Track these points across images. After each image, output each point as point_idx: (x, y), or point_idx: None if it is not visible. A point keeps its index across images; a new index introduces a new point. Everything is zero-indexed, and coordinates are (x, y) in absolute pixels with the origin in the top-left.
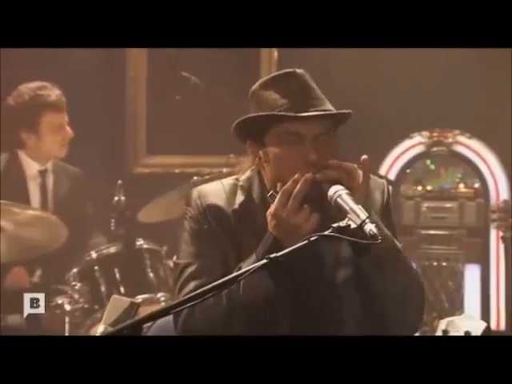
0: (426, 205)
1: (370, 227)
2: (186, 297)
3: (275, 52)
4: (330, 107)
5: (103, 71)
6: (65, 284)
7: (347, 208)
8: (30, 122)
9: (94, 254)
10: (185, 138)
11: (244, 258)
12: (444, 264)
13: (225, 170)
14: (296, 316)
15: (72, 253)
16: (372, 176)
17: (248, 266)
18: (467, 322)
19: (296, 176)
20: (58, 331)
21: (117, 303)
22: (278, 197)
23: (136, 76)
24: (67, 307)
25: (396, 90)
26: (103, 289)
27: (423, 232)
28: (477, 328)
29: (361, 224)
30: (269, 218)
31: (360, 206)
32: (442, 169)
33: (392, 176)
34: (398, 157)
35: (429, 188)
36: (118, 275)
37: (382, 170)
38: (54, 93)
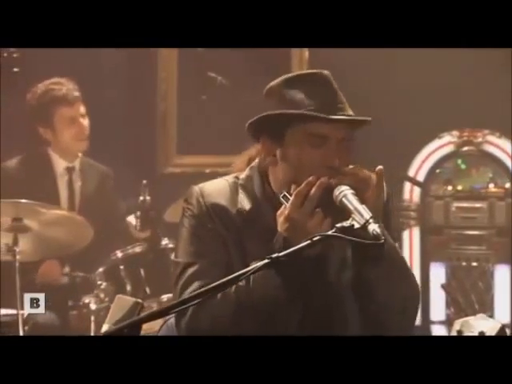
0: (455, 205)
1: (373, 227)
2: (187, 297)
3: (306, 52)
4: (352, 113)
5: (134, 71)
6: (91, 283)
7: (352, 208)
8: (44, 118)
9: (119, 254)
10: (215, 138)
11: (248, 258)
12: (474, 264)
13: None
14: (303, 318)
15: (99, 252)
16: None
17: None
18: (482, 323)
19: (311, 178)
20: (85, 330)
21: (121, 303)
22: (293, 198)
23: (167, 76)
24: (93, 306)
25: (425, 89)
26: (128, 288)
27: (453, 232)
28: (491, 328)
29: (364, 224)
30: (281, 219)
31: (364, 206)
32: (473, 168)
33: (421, 176)
34: (427, 157)
35: (459, 188)
36: (143, 275)
37: (412, 170)
38: (64, 87)
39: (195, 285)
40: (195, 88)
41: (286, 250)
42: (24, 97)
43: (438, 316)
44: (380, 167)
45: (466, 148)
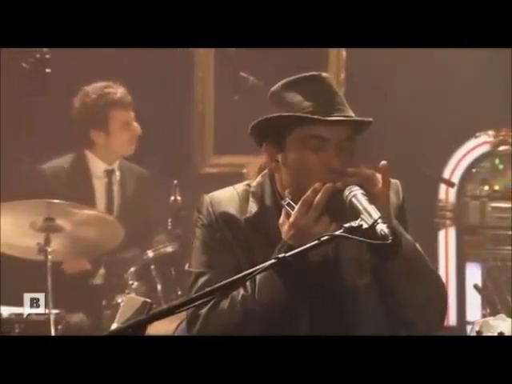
0: (491, 205)
1: (381, 227)
2: (189, 297)
3: (343, 52)
4: (352, 114)
5: (171, 71)
6: (124, 283)
7: (361, 208)
8: (99, 121)
9: (150, 254)
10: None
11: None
12: (509, 264)
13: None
14: (314, 322)
15: (134, 252)
16: None
17: (261, 274)
18: (501, 323)
19: (316, 185)
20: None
21: (131, 303)
22: (298, 206)
23: (204, 76)
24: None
25: (461, 89)
26: (159, 288)
27: (489, 232)
28: (511, 329)
29: (373, 224)
30: (285, 226)
31: (373, 207)
32: (510, 168)
33: (457, 175)
34: (463, 156)
35: (496, 188)
36: (174, 274)
37: (448, 170)
38: (119, 90)
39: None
40: (232, 88)
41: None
42: (57, 98)
43: (474, 316)
44: (383, 162)
45: (502, 148)
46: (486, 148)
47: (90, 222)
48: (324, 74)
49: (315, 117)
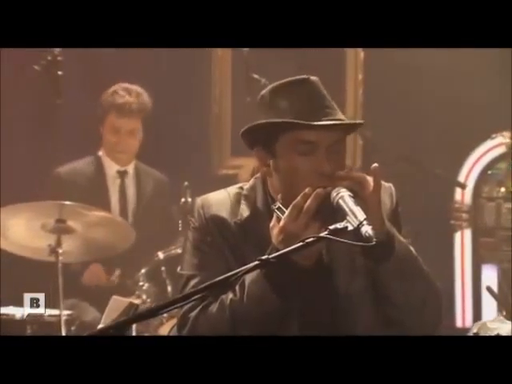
0: (507, 206)
1: (366, 229)
2: (174, 298)
3: (361, 53)
4: (341, 117)
5: (188, 72)
6: (135, 284)
7: (347, 209)
8: (102, 121)
9: (161, 255)
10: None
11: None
12: None
13: None
14: (303, 326)
15: (148, 254)
16: None
17: (251, 278)
18: (499, 325)
19: (307, 190)
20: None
21: (116, 304)
22: (289, 211)
23: (221, 77)
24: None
25: (476, 90)
26: (170, 289)
27: (504, 234)
28: (508, 331)
29: (358, 225)
30: (275, 231)
31: (359, 208)
32: None
33: (473, 177)
34: (479, 157)
35: None
36: None
37: (463, 171)
38: (125, 97)
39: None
40: (249, 89)
41: (279, 262)
42: (71, 99)
43: (490, 318)
44: (375, 165)
45: None
46: (501, 149)
47: (100, 224)
48: (312, 78)
49: (302, 122)
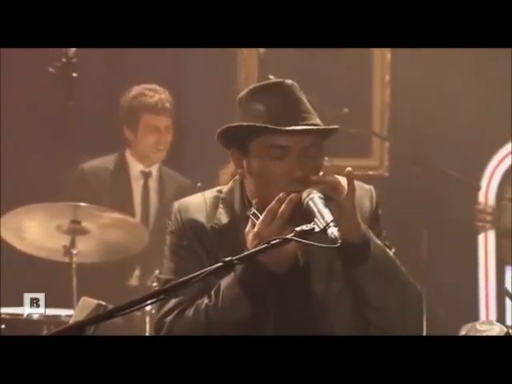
0: None
1: (332, 230)
2: (133, 300)
3: (388, 54)
4: (317, 121)
5: (213, 73)
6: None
7: (315, 210)
8: (131, 122)
9: None
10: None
11: (224, 275)
12: None
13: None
14: (279, 331)
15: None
16: (359, 183)
17: (226, 283)
18: (488, 328)
19: (281, 195)
20: (141, 331)
21: (85, 304)
22: (263, 216)
23: (246, 78)
24: (147, 307)
25: (499, 92)
26: None
27: None
28: (497, 334)
29: (325, 227)
30: (250, 236)
31: (328, 210)
32: None
33: (496, 178)
34: (502, 159)
35: None
36: None
37: (486, 173)
38: (157, 95)
39: (172, 302)
40: None
41: (255, 267)
42: (85, 100)
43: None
44: (348, 169)
45: None
46: None
47: (115, 225)
48: (288, 81)
49: (272, 127)
